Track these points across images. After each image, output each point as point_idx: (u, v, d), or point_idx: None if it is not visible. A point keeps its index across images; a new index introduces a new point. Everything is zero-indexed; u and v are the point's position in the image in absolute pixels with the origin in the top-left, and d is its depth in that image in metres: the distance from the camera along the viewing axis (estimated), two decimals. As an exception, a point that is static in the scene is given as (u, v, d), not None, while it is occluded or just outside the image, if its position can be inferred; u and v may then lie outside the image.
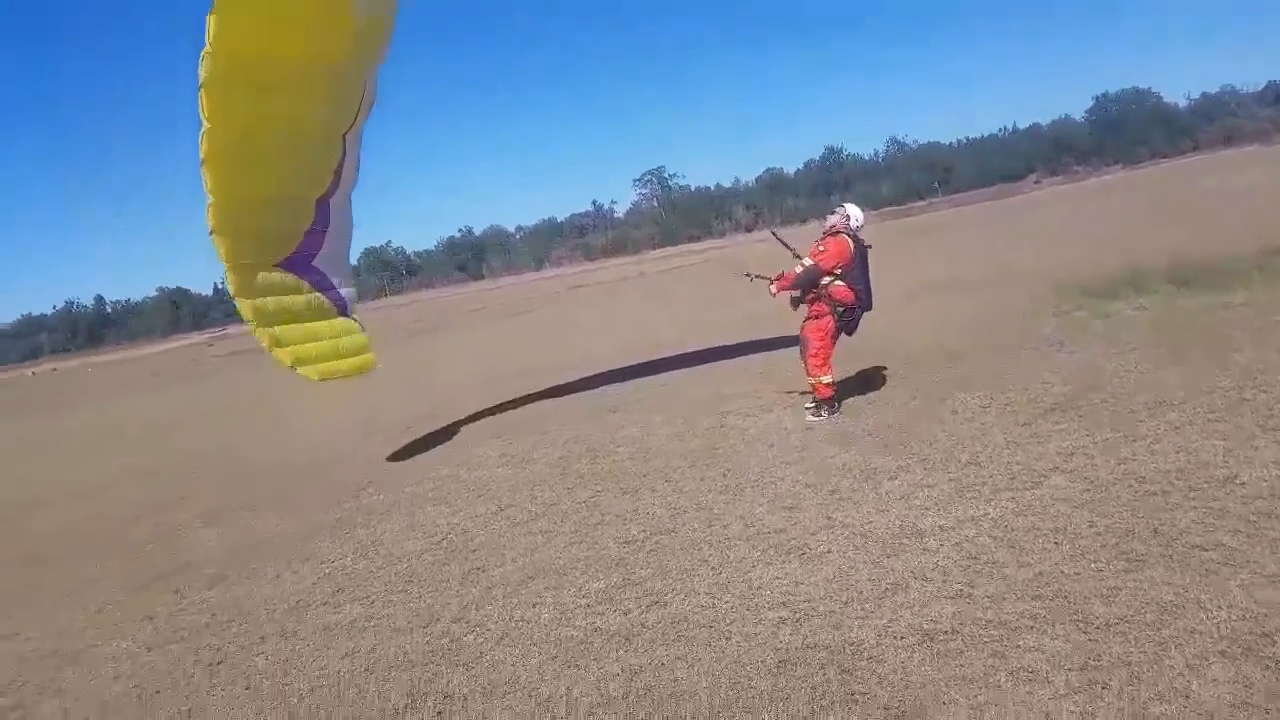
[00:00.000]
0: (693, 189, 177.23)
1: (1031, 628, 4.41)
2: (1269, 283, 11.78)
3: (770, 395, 10.94)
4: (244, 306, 9.71)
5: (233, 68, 8.38)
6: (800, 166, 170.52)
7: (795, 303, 9.82)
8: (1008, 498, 6.17)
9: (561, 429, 11.52)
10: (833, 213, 9.87)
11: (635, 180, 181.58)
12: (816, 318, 9.63)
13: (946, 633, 4.52)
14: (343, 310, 11.52)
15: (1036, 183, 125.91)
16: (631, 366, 16.29)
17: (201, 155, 8.59)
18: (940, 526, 5.90)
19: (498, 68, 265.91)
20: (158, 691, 5.73)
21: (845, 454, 7.93)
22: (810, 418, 9.55)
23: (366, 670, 5.42)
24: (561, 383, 15.70)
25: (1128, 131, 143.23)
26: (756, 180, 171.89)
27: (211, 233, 9.06)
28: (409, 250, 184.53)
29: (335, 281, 11.41)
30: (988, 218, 53.71)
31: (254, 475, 12.34)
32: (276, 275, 10.21)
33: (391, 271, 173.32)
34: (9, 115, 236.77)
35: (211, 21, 7.95)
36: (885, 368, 11.20)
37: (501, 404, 14.63)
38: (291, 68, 8.97)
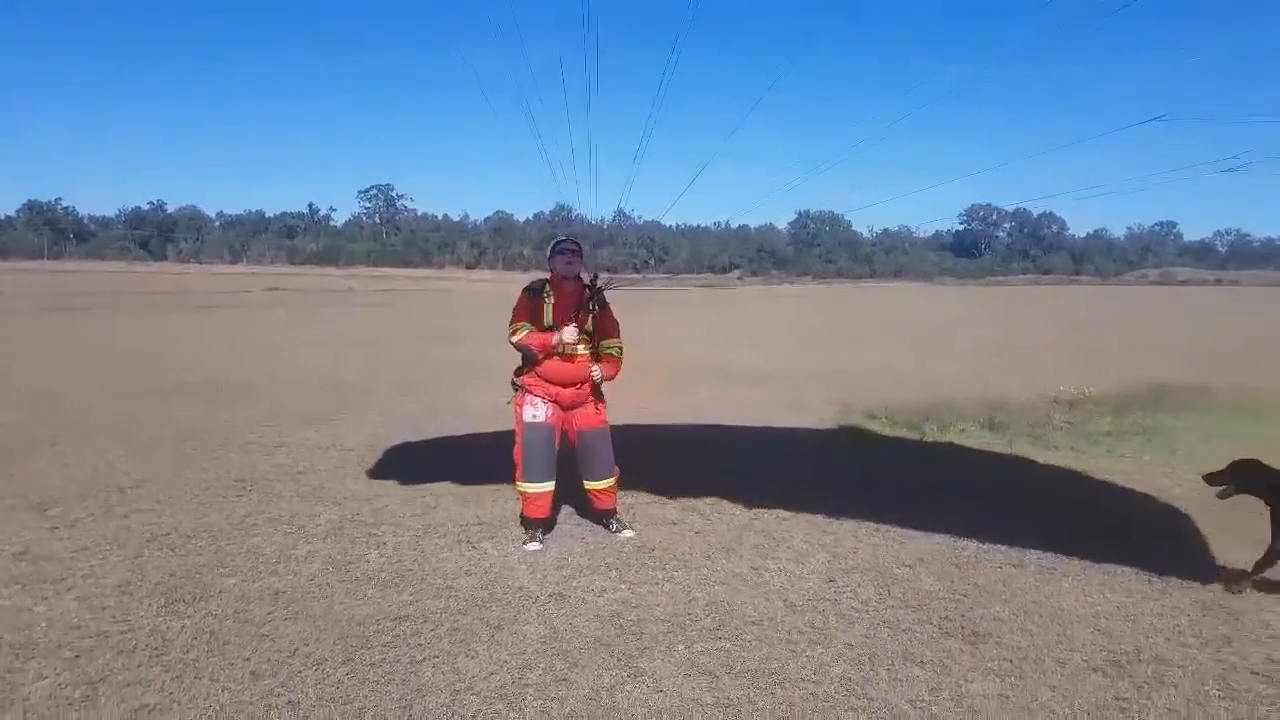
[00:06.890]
0: (419, 214, 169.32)
1: None
2: (1083, 440, 10.03)
3: (506, 499, 7.31)
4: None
5: None
6: (530, 216, 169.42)
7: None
8: None
9: (149, 510, 6.98)
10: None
11: (360, 192, 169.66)
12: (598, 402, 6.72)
13: None
14: None
15: (739, 279, 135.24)
16: (314, 403, 11.90)
17: None
18: None
19: (235, 36, 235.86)
20: None
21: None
22: (531, 545, 6.30)
23: None
24: (205, 419, 10.89)
25: (821, 249, 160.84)
26: (485, 220, 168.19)
27: None
28: (83, 213, 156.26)
29: None
30: (714, 305, 55.02)
31: None
32: None
33: (57, 234, 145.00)
34: None
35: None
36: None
37: (113, 433, 9.83)
38: None
